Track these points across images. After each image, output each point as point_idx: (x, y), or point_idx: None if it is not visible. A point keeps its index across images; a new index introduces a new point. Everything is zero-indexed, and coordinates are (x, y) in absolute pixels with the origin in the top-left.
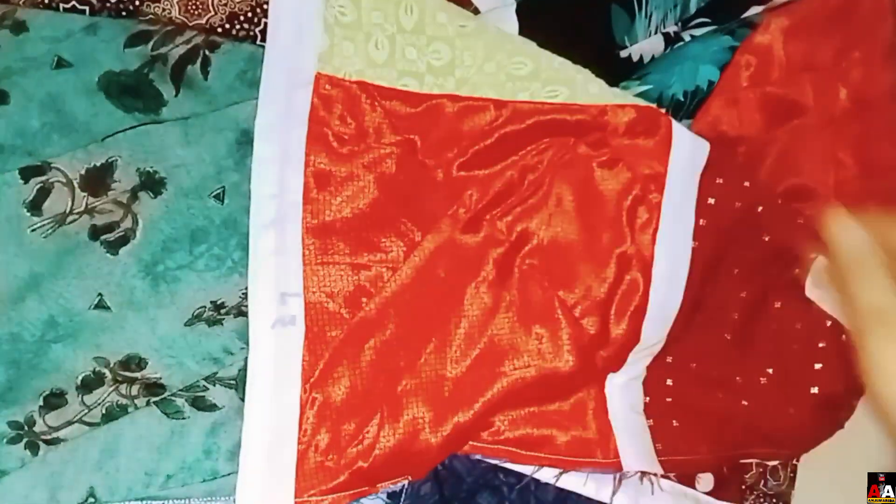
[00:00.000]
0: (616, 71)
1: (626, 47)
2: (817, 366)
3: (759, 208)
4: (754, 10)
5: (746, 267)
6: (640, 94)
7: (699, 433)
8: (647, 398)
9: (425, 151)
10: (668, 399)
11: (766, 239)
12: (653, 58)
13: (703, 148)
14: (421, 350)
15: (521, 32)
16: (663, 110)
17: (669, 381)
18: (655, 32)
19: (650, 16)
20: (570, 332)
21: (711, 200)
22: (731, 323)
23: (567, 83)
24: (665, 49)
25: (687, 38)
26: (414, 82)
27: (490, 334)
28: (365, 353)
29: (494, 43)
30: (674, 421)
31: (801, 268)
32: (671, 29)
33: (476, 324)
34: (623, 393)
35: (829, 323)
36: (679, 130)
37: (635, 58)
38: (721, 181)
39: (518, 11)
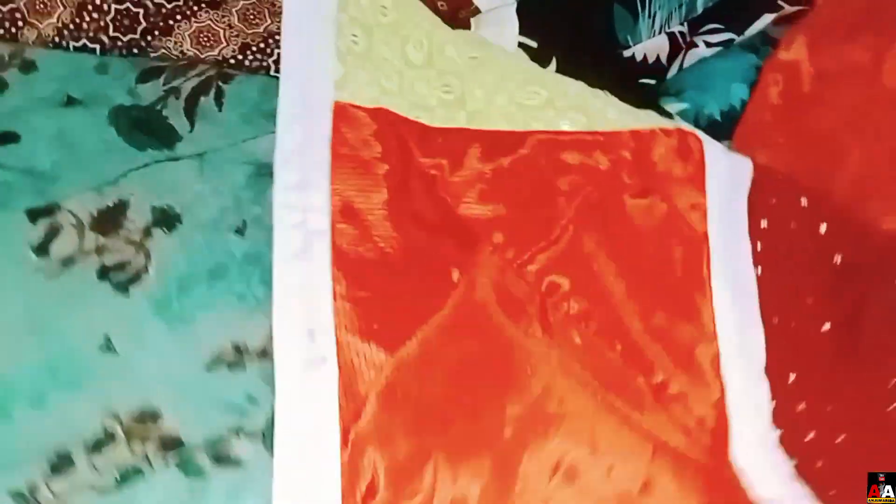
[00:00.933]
0: (619, 71)
1: (629, 47)
2: None
3: (823, 227)
4: (766, 17)
5: (820, 295)
6: (678, 113)
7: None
8: (795, 461)
9: (444, 186)
10: (819, 460)
11: (838, 260)
12: (681, 67)
13: (745, 168)
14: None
15: (522, 31)
16: (697, 131)
17: (811, 435)
18: (660, 32)
19: (654, 15)
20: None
21: (764, 223)
22: (829, 355)
23: (583, 110)
24: (669, 49)
25: (700, 45)
26: (425, 115)
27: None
28: (408, 395)
29: (505, 73)
30: (832, 490)
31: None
32: (676, 29)
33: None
34: (765, 464)
35: None
36: (713, 151)
37: (639, 57)
38: (775, 201)
39: (519, 11)
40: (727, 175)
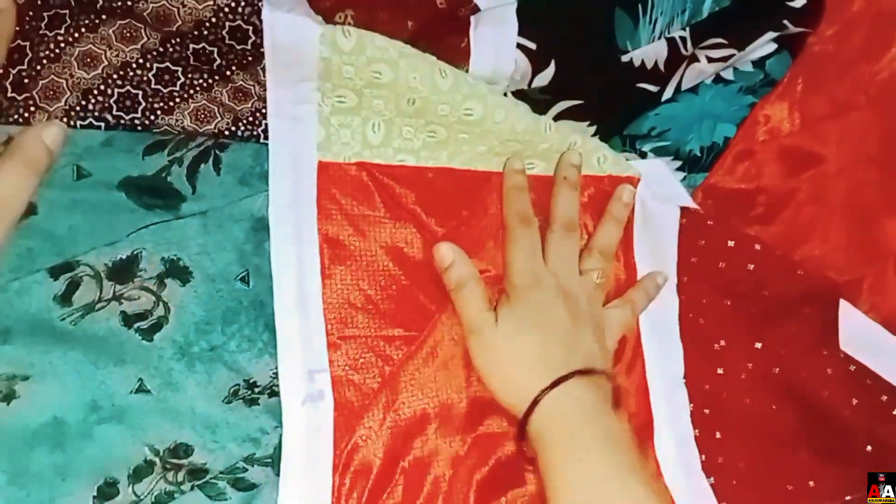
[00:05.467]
0: (617, 75)
1: (627, 51)
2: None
3: (751, 266)
4: (769, 35)
5: (753, 321)
6: (655, 149)
7: (763, 490)
8: (703, 456)
9: (430, 221)
10: (721, 457)
11: (766, 294)
12: (679, 81)
13: (673, 215)
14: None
15: (521, 33)
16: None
17: (718, 435)
18: (659, 37)
19: (655, 21)
20: None
21: (694, 259)
22: (757, 377)
23: (552, 159)
24: (668, 55)
25: (702, 59)
26: (410, 158)
27: None
28: (387, 419)
29: (493, 130)
30: (733, 480)
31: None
32: (677, 34)
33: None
34: (678, 456)
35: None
36: (642, 198)
37: (637, 63)
38: (703, 242)
39: (518, 12)
40: (656, 220)
